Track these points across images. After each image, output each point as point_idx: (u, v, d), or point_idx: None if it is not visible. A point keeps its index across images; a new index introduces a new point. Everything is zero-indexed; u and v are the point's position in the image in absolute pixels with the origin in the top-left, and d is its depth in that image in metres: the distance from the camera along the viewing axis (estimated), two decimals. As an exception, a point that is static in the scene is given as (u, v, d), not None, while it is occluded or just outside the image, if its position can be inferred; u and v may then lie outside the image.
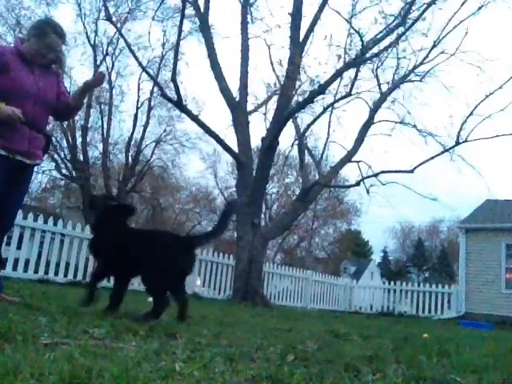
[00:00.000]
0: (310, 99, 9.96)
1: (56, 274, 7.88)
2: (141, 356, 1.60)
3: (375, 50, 10.08)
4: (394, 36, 10.04)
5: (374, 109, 12.51)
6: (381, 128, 13.28)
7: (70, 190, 26.51)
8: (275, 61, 11.98)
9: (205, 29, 10.74)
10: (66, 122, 21.57)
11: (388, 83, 12.50)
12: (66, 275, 8.04)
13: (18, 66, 3.18)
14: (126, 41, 11.62)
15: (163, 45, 14.62)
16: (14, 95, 3.10)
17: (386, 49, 10.57)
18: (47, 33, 3.25)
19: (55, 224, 8.07)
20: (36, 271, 7.56)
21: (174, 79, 9.37)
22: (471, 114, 11.50)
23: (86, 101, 21.83)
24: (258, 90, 17.22)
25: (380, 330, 4.62)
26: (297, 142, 12.76)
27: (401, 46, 11.48)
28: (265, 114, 12.49)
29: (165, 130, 24.90)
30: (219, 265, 10.72)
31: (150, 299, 5.64)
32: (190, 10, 10.97)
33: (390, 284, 15.08)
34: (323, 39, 10.30)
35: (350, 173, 46.72)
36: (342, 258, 45.37)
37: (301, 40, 10.22)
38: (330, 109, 11.81)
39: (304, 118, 12.80)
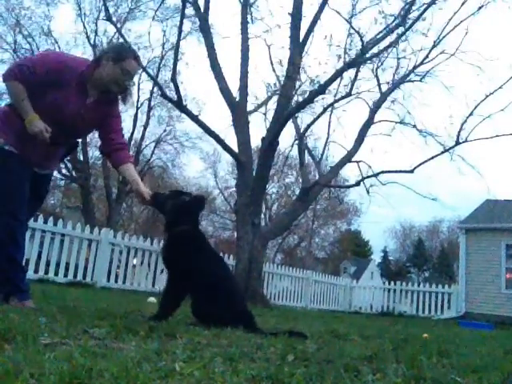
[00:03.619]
0: (309, 99, 9.96)
1: (56, 274, 7.89)
2: (141, 356, 1.60)
3: (375, 50, 10.09)
4: (394, 36, 10.04)
5: (374, 109, 12.51)
6: (381, 128, 13.30)
7: (70, 189, 26.51)
8: (275, 61, 11.99)
9: (205, 29, 10.74)
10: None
11: (388, 83, 12.51)
12: (66, 275, 8.04)
13: (71, 88, 3.02)
14: (125, 41, 11.62)
15: (163, 45, 14.65)
16: (48, 113, 2.98)
17: (385, 49, 10.57)
18: (127, 57, 3.07)
19: (55, 224, 8.07)
20: (36, 271, 7.56)
21: (173, 79, 9.37)
22: (471, 114, 11.50)
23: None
24: (258, 89, 17.23)
25: (380, 330, 4.61)
26: (297, 142, 12.76)
27: (401, 46, 11.50)
28: (265, 114, 12.51)
29: (165, 130, 24.93)
30: (219, 265, 10.72)
31: (150, 299, 5.66)
32: (190, 10, 10.97)
33: (390, 284, 15.09)
34: (323, 39, 10.34)
35: (350, 173, 46.81)
36: (342, 258, 45.43)
37: (301, 40, 10.21)
38: (330, 109, 11.81)
39: (304, 118, 12.83)
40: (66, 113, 3.04)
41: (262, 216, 22.60)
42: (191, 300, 3.08)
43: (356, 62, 9.57)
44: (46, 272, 7.75)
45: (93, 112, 3.13)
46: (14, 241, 3.06)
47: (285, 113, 9.99)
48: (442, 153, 11.73)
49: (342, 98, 10.75)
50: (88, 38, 21.12)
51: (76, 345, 1.72)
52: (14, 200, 3.04)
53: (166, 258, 3.21)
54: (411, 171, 11.25)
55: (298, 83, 10.61)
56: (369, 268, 51.24)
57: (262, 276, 10.63)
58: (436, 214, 53.73)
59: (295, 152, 13.46)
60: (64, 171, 22.92)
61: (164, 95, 10.33)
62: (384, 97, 12.48)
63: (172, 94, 10.14)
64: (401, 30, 9.91)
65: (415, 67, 12.27)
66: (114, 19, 14.10)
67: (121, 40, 11.81)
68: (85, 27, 20.70)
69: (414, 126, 12.56)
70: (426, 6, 9.68)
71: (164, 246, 3.29)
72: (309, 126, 12.09)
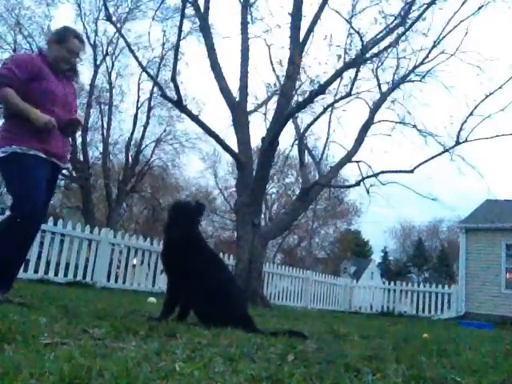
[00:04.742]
0: (309, 99, 9.95)
1: (56, 274, 7.88)
2: (141, 356, 1.60)
3: (375, 50, 10.07)
4: (394, 36, 10.03)
5: (374, 109, 12.51)
6: (381, 128, 13.30)
7: (70, 189, 26.48)
8: (275, 61, 11.99)
9: (205, 29, 10.74)
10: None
11: (388, 83, 12.50)
12: (66, 275, 8.04)
13: (48, 73, 3.30)
14: (126, 41, 11.61)
15: (163, 45, 14.64)
16: (45, 101, 3.23)
17: (385, 49, 10.56)
18: (68, 37, 3.39)
19: (55, 224, 8.07)
20: (36, 271, 7.56)
21: (173, 79, 9.37)
22: (471, 114, 11.50)
23: (86, 100, 21.85)
24: (258, 89, 17.24)
25: (380, 330, 4.61)
26: (297, 142, 12.76)
27: (401, 46, 11.48)
28: (265, 114, 12.51)
29: (165, 130, 24.88)
30: (219, 265, 10.72)
31: (150, 299, 5.65)
32: (190, 10, 10.97)
33: (390, 284, 15.08)
34: (323, 39, 10.30)
35: (350, 173, 46.85)
36: (342, 257, 45.36)
37: (301, 40, 10.20)
38: (330, 109, 11.81)
39: (304, 118, 12.83)
40: (57, 95, 3.32)
41: (262, 216, 22.60)
42: (192, 301, 3.09)
43: (356, 62, 9.55)
44: (46, 272, 7.75)
45: (69, 88, 3.49)
46: (31, 242, 3.36)
47: (285, 113, 9.98)
48: (442, 153, 11.73)
49: (342, 98, 10.74)
50: (88, 37, 21.11)
51: (76, 345, 1.72)
52: (36, 201, 3.21)
53: (165, 261, 3.24)
54: (411, 171, 11.24)
55: (298, 83, 10.60)
56: (369, 268, 51.26)
57: (262, 276, 10.62)
58: (436, 214, 53.81)
59: (295, 152, 13.47)
60: (64, 171, 22.90)
61: (164, 95, 10.33)
62: (384, 97, 12.47)
63: (172, 94, 10.14)
64: (401, 29, 9.91)
65: (415, 67, 12.27)
66: (114, 19, 14.11)
67: (120, 39, 11.80)
68: (85, 27, 20.70)
69: (414, 126, 12.56)
70: (425, 6, 9.69)
71: (163, 249, 3.35)
72: (309, 125, 12.09)
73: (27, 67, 3.21)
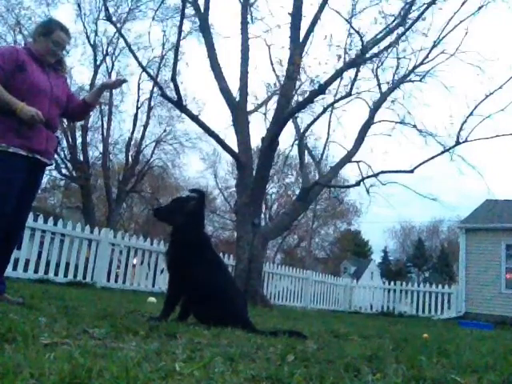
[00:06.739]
0: (309, 99, 9.95)
1: (56, 274, 7.88)
2: (141, 356, 1.60)
3: (375, 50, 10.08)
4: (393, 36, 10.03)
5: (374, 109, 12.52)
6: (381, 128, 13.33)
7: (70, 189, 26.50)
8: (275, 61, 12.00)
9: (205, 29, 10.74)
10: (66, 122, 21.56)
11: (388, 83, 12.51)
12: (66, 275, 8.04)
13: (32, 65, 3.24)
14: (126, 41, 11.61)
15: (163, 45, 14.67)
16: (31, 94, 3.15)
17: (386, 49, 10.57)
18: (54, 30, 3.33)
19: (55, 224, 8.06)
20: (36, 271, 7.56)
21: (174, 79, 9.36)
22: (471, 114, 11.50)
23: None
24: (258, 89, 17.25)
25: (380, 329, 4.62)
26: (297, 142, 12.76)
27: (401, 46, 11.50)
28: (265, 114, 12.53)
29: (165, 130, 24.90)
30: (219, 265, 10.70)
31: (150, 299, 5.65)
32: (190, 10, 10.97)
33: (390, 284, 15.08)
34: (323, 39, 10.30)
35: (350, 173, 46.75)
36: (342, 258, 45.39)
37: (301, 40, 10.20)
38: (329, 109, 11.81)
39: (304, 118, 12.85)
40: (42, 87, 3.24)
41: (262, 216, 22.60)
42: (192, 302, 3.09)
43: (356, 62, 9.55)
44: (46, 272, 7.74)
45: (56, 81, 3.40)
46: (8, 244, 3.35)
47: (285, 113, 9.98)
48: (442, 153, 11.73)
49: (342, 98, 10.75)
50: (88, 37, 21.15)
51: (76, 345, 1.72)
52: (11, 198, 3.14)
53: (170, 264, 3.23)
54: (411, 171, 11.24)
55: (298, 83, 10.61)
56: (369, 268, 51.21)
57: (262, 276, 10.62)
58: (436, 214, 53.79)
59: (295, 152, 13.47)
60: (64, 171, 22.91)
61: (164, 95, 10.32)
62: (384, 97, 12.48)
63: (172, 94, 10.13)
64: (401, 29, 9.91)
65: (415, 67, 12.28)
66: (114, 19, 14.10)
67: (120, 39, 11.80)
68: (85, 27, 20.72)
69: (414, 126, 12.58)
70: (426, 5, 9.68)
71: (169, 252, 3.30)
72: (309, 125, 12.09)
73: (11, 59, 3.13)
